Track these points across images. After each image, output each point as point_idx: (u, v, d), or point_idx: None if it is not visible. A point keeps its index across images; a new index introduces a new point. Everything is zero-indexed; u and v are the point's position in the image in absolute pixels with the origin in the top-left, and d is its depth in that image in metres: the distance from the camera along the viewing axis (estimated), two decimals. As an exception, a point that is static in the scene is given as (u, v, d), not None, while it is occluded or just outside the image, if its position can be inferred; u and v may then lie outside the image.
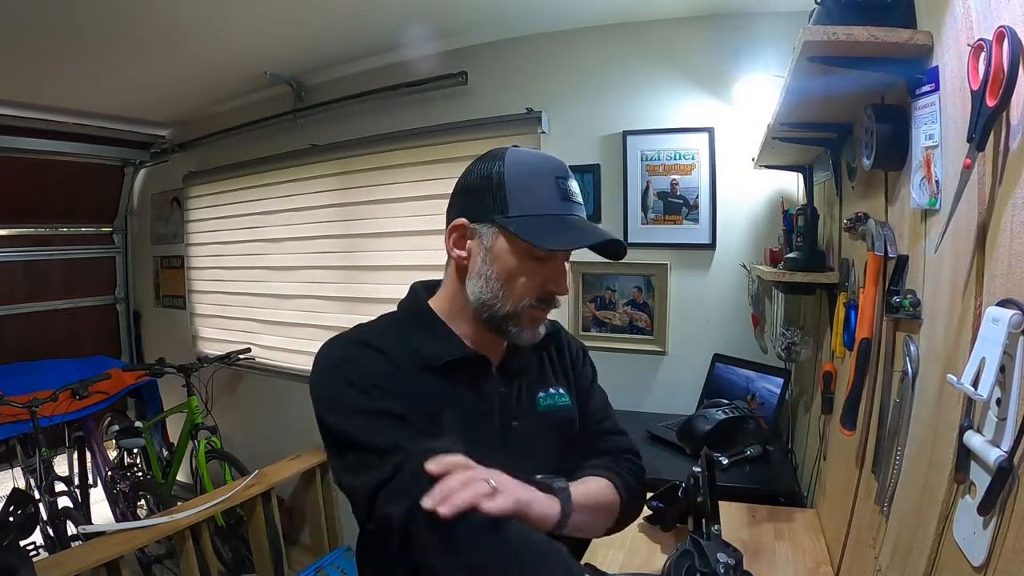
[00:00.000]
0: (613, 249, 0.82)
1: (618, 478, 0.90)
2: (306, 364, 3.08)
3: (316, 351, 0.81)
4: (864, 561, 1.00)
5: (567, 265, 0.83)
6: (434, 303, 0.89)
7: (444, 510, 0.59)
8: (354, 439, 0.72)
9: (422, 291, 0.92)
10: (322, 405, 0.77)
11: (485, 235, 0.80)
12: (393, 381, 0.76)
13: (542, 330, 0.85)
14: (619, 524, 0.93)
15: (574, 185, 0.83)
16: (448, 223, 0.85)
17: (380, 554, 0.83)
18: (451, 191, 0.87)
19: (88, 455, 2.94)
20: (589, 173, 2.26)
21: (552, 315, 0.89)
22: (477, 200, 0.81)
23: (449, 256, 0.85)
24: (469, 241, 0.82)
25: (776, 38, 1.86)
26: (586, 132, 2.28)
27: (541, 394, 0.91)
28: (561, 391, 0.94)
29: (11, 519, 2.26)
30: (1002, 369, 0.57)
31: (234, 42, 2.43)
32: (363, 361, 0.78)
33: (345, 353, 0.79)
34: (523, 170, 0.80)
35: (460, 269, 0.84)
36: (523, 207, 0.78)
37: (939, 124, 0.79)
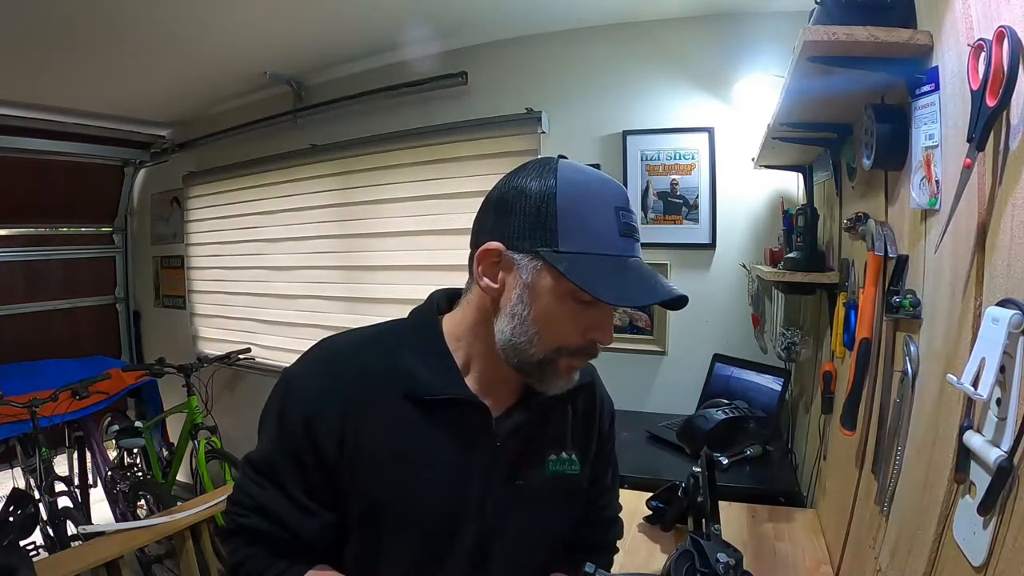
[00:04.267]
0: (676, 302, 0.68)
1: None
2: (306, 364, 3.11)
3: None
4: (864, 561, 1.00)
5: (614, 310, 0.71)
6: (447, 323, 0.76)
7: None
8: (245, 470, 0.73)
9: (440, 302, 0.79)
10: (263, 413, 0.75)
11: (525, 268, 0.66)
12: (344, 418, 0.69)
13: (576, 376, 0.73)
14: None
15: (634, 217, 0.69)
16: (476, 240, 0.70)
17: None
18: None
19: (88, 455, 2.94)
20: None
21: None
22: (518, 223, 0.66)
23: (476, 283, 0.71)
24: (503, 272, 0.68)
25: (776, 38, 1.86)
26: (586, 132, 2.28)
27: (552, 456, 0.79)
28: (573, 457, 0.81)
29: (11, 519, 2.25)
30: (1002, 369, 0.57)
31: (234, 42, 2.43)
32: (309, 407, 0.70)
33: (302, 384, 0.72)
34: (578, 195, 0.66)
35: (487, 299, 0.71)
36: (576, 243, 0.64)
37: (939, 124, 0.79)
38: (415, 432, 0.71)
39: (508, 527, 0.75)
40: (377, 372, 0.72)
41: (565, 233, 0.65)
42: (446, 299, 0.80)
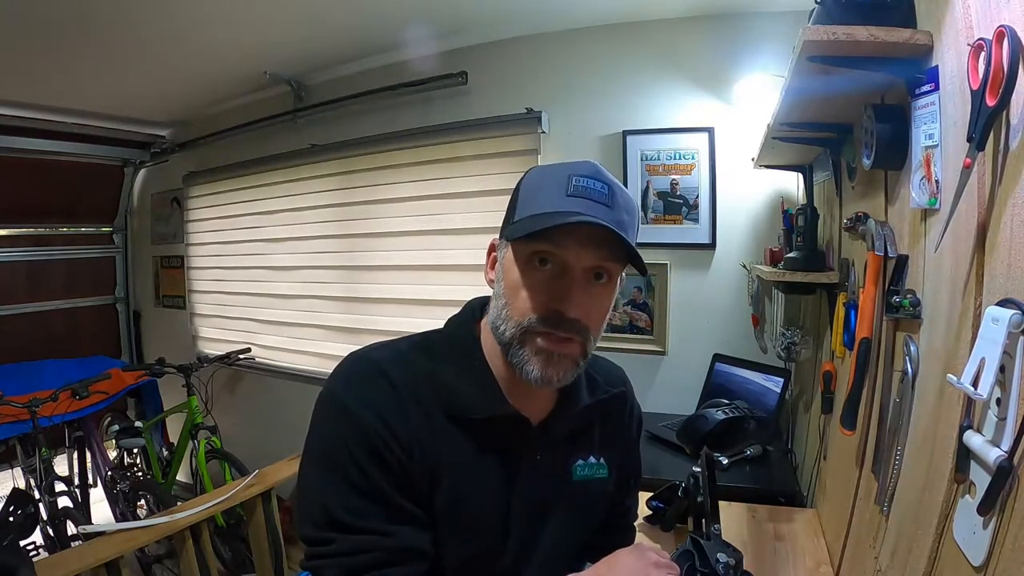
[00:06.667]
0: (625, 249, 0.67)
1: None
2: (306, 364, 3.12)
3: (339, 362, 0.73)
4: (864, 561, 1.00)
5: (602, 287, 0.69)
6: (483, 330, 0.76)
7: None
8: (334, 516, 0.65)
9: (477, 311, 0.79)
10: (312, 452, 0.69)
11: (501, 251, 0.72)
12: (402, 429, 0.67)
13: (567, 375, 0.69)
14: None
15: (593, 182, 0.67)
16: None
17: None
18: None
19: (88, 455, 2.94)
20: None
21: None
22: (503, 219, 0.74)
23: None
24: (497, 263, 0.73)
25: (776, 38, 1.86)
26: (586, 132, 2.28)
27: (579, 462, 0.80)
28: (601, 461, 0.82)
29: (11, 519, 2.25)
30: (1002, 369, 0.57)
31: (234, 42, 2.43)
32: (373, 413, 0.66)
33: (357, 395, 0.68)
34: (537, 175, 0.72)
35: None
36: (526, 210, 0.69)
37: (939, 124, 0.79)
38: (461, 448, 0.70)
39: (543, 535, 0.76)
40: (419, 388, 0.70)
41: (520, 208, 0.70)
42: (480, 307, 0.79)
